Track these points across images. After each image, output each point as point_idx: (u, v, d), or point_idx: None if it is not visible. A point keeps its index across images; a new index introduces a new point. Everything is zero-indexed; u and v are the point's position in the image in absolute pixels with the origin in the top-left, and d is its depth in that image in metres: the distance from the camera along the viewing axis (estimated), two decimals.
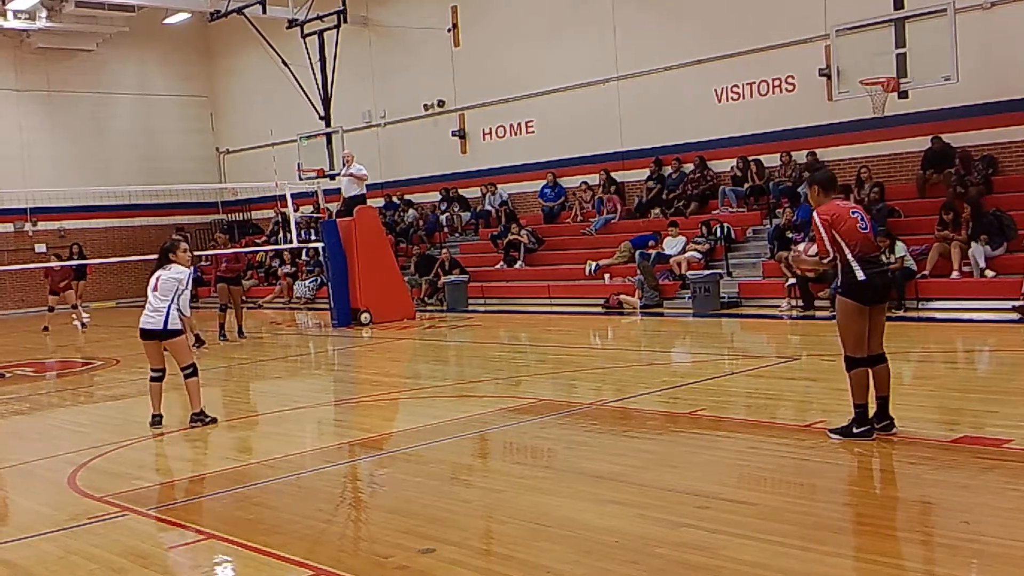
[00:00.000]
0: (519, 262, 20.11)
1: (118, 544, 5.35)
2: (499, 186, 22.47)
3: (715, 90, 18.55)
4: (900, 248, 14.13)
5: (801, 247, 7.62)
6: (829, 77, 15.77)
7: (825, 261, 6.62)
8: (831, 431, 6.67)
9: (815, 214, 6.63)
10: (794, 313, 14.54)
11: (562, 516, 5.30)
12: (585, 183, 20.61)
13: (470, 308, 19.10)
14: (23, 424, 9.92)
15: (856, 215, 6.55)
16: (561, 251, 20.03)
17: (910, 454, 6.26)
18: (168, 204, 27.16)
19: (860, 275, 6.43)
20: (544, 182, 21.35)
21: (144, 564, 5.00)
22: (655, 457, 6.62)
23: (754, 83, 18.04)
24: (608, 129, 20.30)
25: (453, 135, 23.30)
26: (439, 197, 23.62)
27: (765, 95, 17.94)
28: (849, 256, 6.46)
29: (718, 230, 17.15)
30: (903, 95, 14.50)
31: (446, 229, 22.96)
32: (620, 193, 20.23)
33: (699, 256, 16.89)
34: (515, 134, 22.24)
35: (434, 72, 23.39)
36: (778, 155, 17.60)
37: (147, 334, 8.62)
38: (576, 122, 20.71)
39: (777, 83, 17.76)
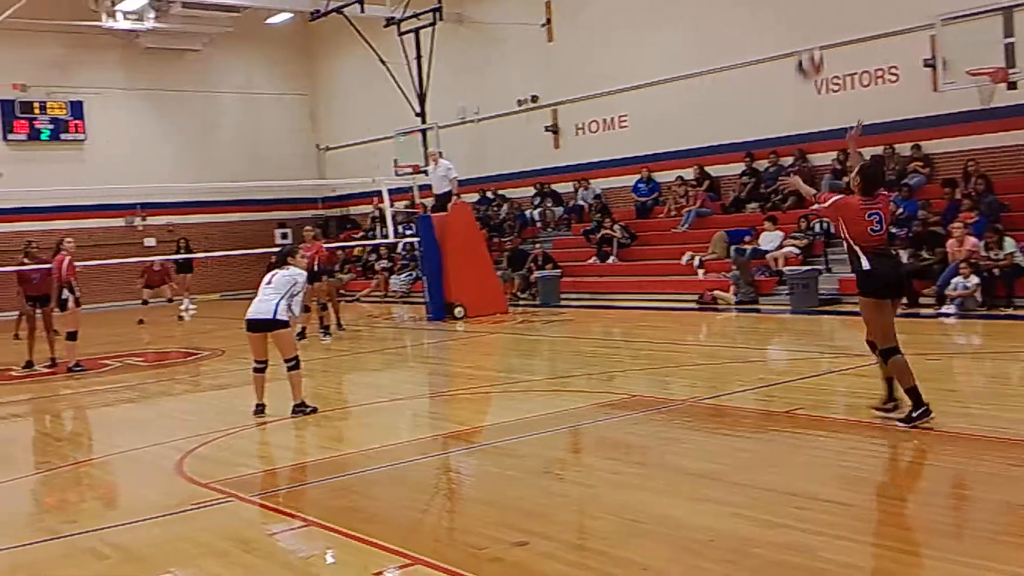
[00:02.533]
0: (612, 257, 20.02)
1: (223, 529, 5.52)
2: (592, 181, 22.42)
3: (814, 81, 18.09)
4: (1009, 244, 13.59)
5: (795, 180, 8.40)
6: (934, 68, 15.25)
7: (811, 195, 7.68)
8: (899, 421, 6.74)
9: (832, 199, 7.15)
10: (897, 311, 14.10)
11: (656, 513, 5.28)
12: (680, 177, 20.39)
13: (562, 303, 19.11)
14: (133, 412, 10.33)
15: (873, 217, 6.86)
16: (654, 246, 19.86)
17: (1018, 457, 6.04)
18: (270, 200, 27.92)
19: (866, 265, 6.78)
20: (637, 177, 21.20)
21: (247, 549, 5.15)
22: (751, 456, 6.53)
23: (855, 74, 17.56)
24: (703, 123, 20.02)
25: (546, 130, 23.32)
26: (532, 192, 23.68)
27: (867, 86, 17.44)
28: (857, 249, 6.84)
29: (816, 225, 16.77)
30: (1012, 86, 13.94)
31: (539, 224, 23.01)
32: (715, 188, 19.96)
33: (797, 251, 16.55)
34: (608, 128, 22.14)
35: (527, 67, 23.45)
36: (881, 148, 17.11)
37: (255, 325, 8.82)
38: (670, 116, 20.49)
39: (880, 74, 17.25)
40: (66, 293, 12.89)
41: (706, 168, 19.99)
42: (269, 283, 8.90)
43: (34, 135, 25.74)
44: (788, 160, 18.65)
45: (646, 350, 12.68)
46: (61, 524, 5.93)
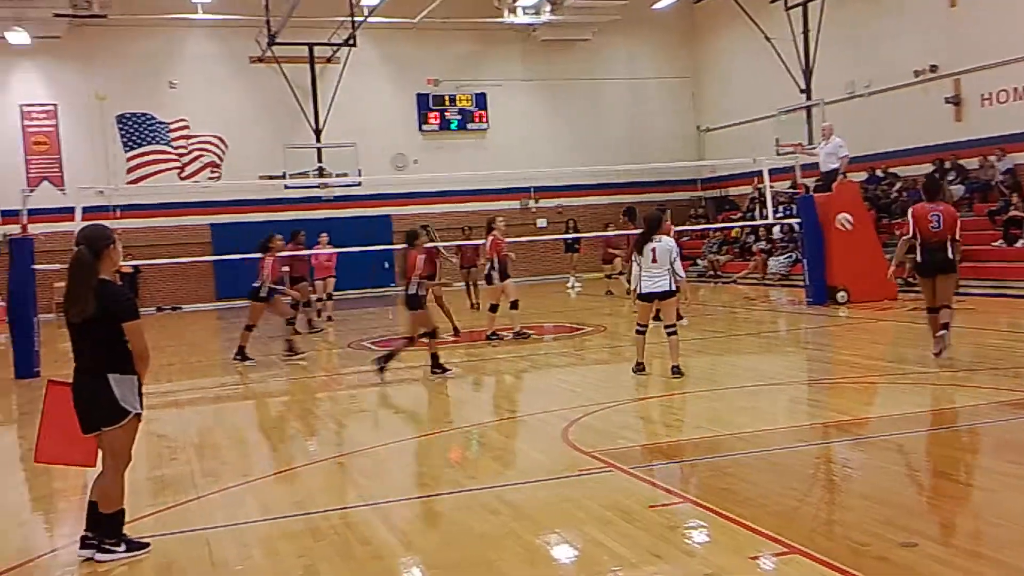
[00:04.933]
0: (1022, 240, 18.00)
1: (605, 497, 5.81)
2: (1001, 156, 20.27)
3: None
4: None
5: None
6: None
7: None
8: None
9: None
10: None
11: None
12: None
13: (961, 291, 17.51)
14: (526, 380, 11.17)
15: (933, 217, 9.36)
16: None
17: None
18: (651, 182, 28.46)
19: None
20: None
21: (626, 519, 5.37)
22: None
23: None
24: None
25: (947, 102, 21.44)
26: (927, 169, 21.90)
27: None
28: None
29: None
30: None
31: None
32: None
33: None
34: (1022, 98, 19.86)
35: (926, 35, 21.67)
36: None
37: (649, 297, 9.70)
38: None
39: None
40: (491, 268, 14.01)
41: None
42: (655, 260, 9.60)
43: (444, 125, 28.44)
44: None
45: None
46: (464, 479, 6.62)
